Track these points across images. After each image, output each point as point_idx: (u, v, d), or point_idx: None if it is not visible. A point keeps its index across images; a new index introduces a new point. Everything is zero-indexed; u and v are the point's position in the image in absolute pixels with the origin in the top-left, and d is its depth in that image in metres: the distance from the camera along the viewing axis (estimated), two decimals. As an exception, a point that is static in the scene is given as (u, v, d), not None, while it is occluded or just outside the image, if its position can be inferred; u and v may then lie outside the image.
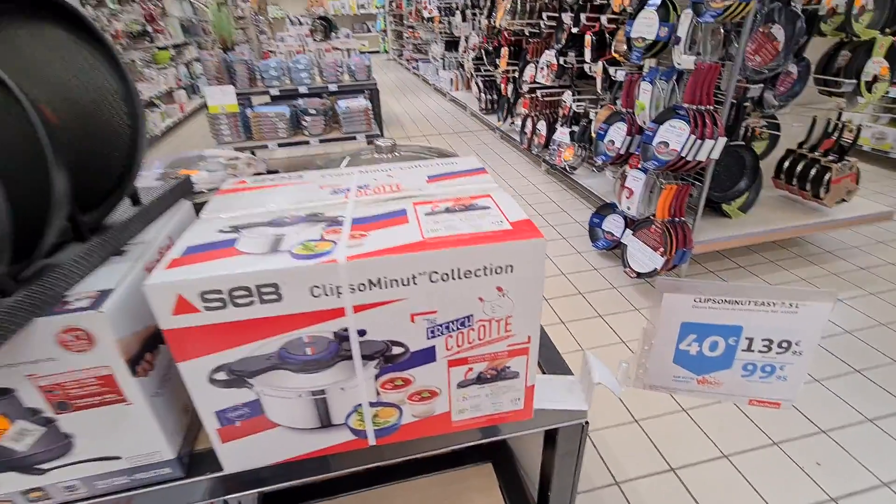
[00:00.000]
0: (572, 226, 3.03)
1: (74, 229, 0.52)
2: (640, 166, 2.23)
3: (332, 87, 3.71)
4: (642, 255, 2.26)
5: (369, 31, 13.98)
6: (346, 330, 0.49)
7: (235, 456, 0.55)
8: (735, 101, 2.07)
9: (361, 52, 4.38)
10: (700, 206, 2.17)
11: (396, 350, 0.52)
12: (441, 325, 0.51)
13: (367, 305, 0.48)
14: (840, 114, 2.45)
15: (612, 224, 2.59)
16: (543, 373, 0.71)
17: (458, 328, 0.52)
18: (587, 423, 0.68)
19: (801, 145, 2.53)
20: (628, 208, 2.37)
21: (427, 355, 0.53)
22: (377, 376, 0.53)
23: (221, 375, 0.49)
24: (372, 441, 0.58)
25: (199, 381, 0.49)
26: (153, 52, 6.73)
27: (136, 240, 0.59)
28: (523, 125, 4.21)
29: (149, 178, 0.87)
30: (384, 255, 0.46)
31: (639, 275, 2.29)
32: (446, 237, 0.48)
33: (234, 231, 0.52)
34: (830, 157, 2.41)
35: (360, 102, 3.74)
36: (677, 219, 2.18)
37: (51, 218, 0.43)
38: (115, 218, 0.58)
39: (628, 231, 2.40)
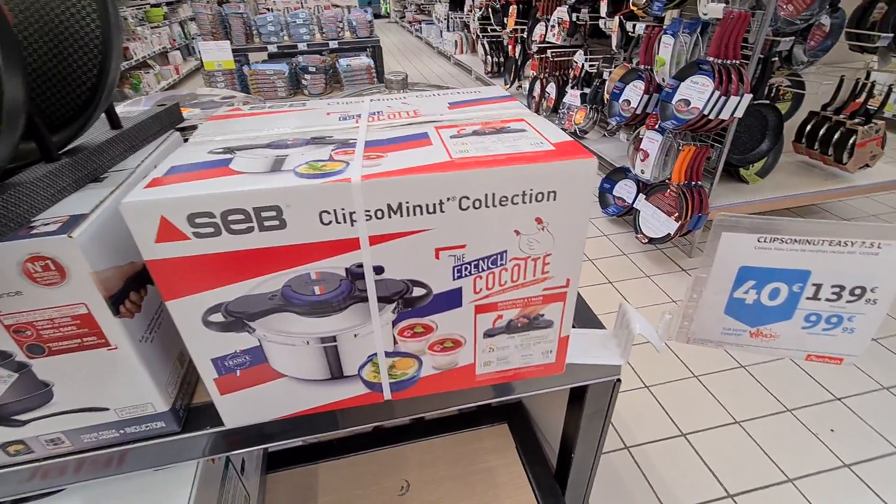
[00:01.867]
0: (581, 192, 2.93)
1: (41, 148, 0.44)
2: (657, 127, 2.12)
3: (333, 44, 3.54)
4: (655, 221, 2.18)
5: (369, -9, 13.39)
6: (360, 266, 0.42)
7: (236, 409, 0.49)
8: (763, 56, 1.94)
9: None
10: (718, 168, 2.08)
11: (418, 291, 0.45)
12: (470, 264, 0.44)
13: (385, 236, 0.41)
14: (869, 73, 2.32)
15: (624, 189, 2.50)
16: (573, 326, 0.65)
17: (488, 267, 0.45)
18: (619, 380, 0.62)
19: (825, 107, 2.41)
20: (642, 172, 2.27)
21: (452, 299, 0.46)
22: (395, 322, 0.47)
23: (217, 317, 0.43)
24: (387, 395, 0.52)
25: (192, 323, 0.42)
26: (146, 10, 6.44)
27: (117, 167, 0.52)
28: (531, 88, 4.04)
29: (135, 114, 0.78)
30: (407, 174, 0.39)
31: (650, 240, 2.22)
32: (480, 157, 0.41)
33: (227, 153, 0.45)
34: (856, 120, 2.30)
35: (363, 60, 3.57)
36: (694, 182, 2.08)
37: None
38: (92, 140, 0.50)
39: (641, 196, 2.31)
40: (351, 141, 0.46)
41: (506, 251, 0.44)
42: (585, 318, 0.66)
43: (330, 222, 0.39)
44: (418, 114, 0.55)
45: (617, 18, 2.66)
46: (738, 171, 2.33)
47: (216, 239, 0.38)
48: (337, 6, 3.98)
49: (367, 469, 0.81)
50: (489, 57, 5.25)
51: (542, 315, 0.50)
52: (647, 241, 2.24)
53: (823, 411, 1.52)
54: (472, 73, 6.02)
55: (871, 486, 1.29)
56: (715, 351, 1.66)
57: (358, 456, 0.83)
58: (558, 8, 3.44)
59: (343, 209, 0.39)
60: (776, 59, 2.00)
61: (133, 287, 0.45)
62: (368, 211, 0.39)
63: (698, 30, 2.01)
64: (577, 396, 0.66)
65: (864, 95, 2.28)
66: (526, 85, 4.23)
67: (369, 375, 0.50)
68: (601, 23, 2.93)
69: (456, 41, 6.63)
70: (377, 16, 12.91)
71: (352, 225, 0.40)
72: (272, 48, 3.44)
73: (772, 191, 2.30)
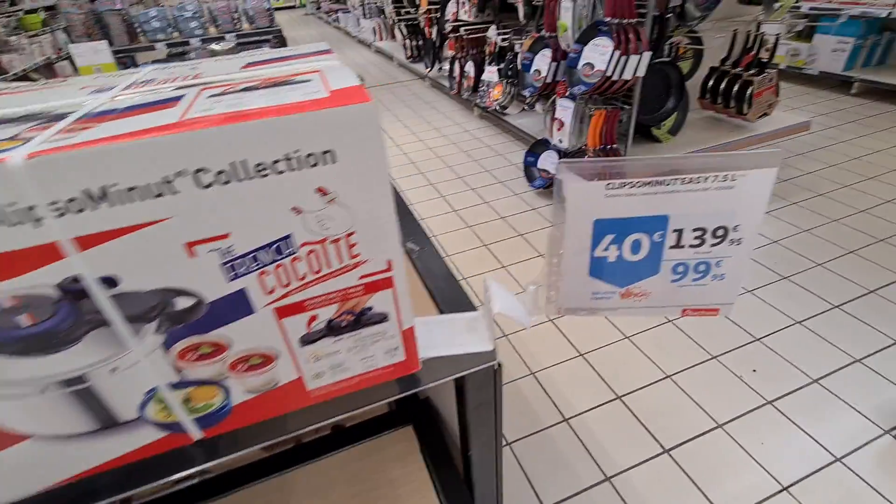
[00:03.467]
0: (508, 168, 2.90)
1: None
2: (567, 94, 2.10)
3: (230, 38, 3.26)
4: (578, 189, 2.17)
5: (281, -17, 12.72)
6: (77, 280, 0.31)
7: (-23, 489, 0.37)
8: (658, 14, 1.95)
9: (276, 8, 3.88)
10: (630, 129, 2.09)
11: (183, 302, 0.34)
12: (245, 257, 0.34)
13: (100, 236, 0.30)
14: (758, 25, 2.42)
15: (547, 161, 2.48)
16: (442, 313, 0.56)
17: (273, 258, 0.35)
18: (499, 365, 0.55)
19: (723, 62, 2.49)
20: (560, 141, 2.26)
21: (238, 305, 0.36)
22: (167, 345, 0.36)
23: None
24: (196, 435, 0.41)
25: None
26: (19, 17, 5.70)
27: None
28: (451, 69, 3.96)
29: None
30: (98, 145, 0.27)
31: (576, 209, 2.22)
32: (219, 115, 0.30)
33: None
34: (752, 71, 2.40)
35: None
36: (609, 146, 2.09)
37: None
38: None
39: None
40: (67, 115, 0.34)
41: (290, 235, 0.34)
42: (454, 299, 0.58)
43: (1, 223, 0.28)
44: (198, 77, 0.43)
45: (520, -12, 2.62)
46: (651, 131, 2.37)
47: None
48: (237, -2, 3.68)
49: (254, 506, 0.70)
50: (408, 41, 5.10)
51: (371, 308, 0.40)
52: (572, 209, 2.23)
53: (745, 353, 1.56)
54: (393, 59, 5.84)
55: (791, 419, 1.34)
56: (643, 310, 1.68)
57: (239, 493, 0.72)
58: (466, -17, 3.36)
59: (14, 203, 0.27)
60: (671, 15, 2.02)
61: None
62: (56, 202, 0.28)
63: (595, -9, 1.99)
64: (461, 389, 0.58)
65: (756, 47, 2.38)
66: (446, 66, 4.14)
67: (159, 415, 0.39)
68: (507, -5, 2.88)
69: (374, 28, 6.40)
70: (292, 7, 12.31)
71: (37, 224, 0.28)
72: (160, 45, 3.12)
73: (684, 147, 2.36)
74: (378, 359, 0.44)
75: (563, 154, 2.32)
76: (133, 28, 3.16)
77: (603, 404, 1.45)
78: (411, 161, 3.16)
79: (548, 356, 1.62)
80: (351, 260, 0.37)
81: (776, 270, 1.90)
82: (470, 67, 3.63)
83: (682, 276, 0.46)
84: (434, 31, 4.38)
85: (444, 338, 0.50)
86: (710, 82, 2.49)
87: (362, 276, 0.38)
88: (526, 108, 3.15)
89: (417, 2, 4.50)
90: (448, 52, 4.09)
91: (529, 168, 2.60)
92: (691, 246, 0.44)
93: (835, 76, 3.62)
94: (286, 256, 0.35)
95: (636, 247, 0.45)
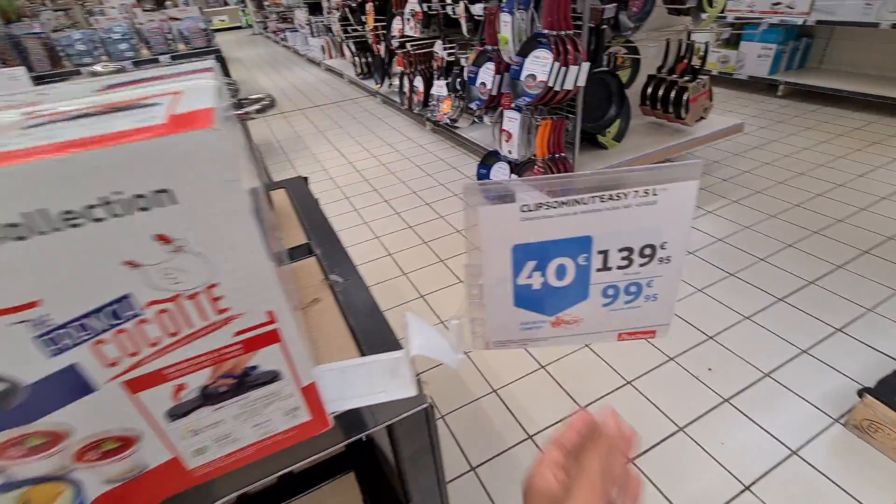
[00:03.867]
0: (462, 181, 2.89)
1: None
2: (513, 105, 2.11)
3: (165, 59, 3.10)
4: (530, 199, 2.18)
5: (226, 3, 12.46)
6: None
7: None
8: (593, 25, 2.00)
9: (221, 29, 3.74)
10: (576, 137, 2.12)
11: (-11, 389, 0.27)
12: (67, 327, 0.27)
13: None
14: (689, 35, 2.53)
15: (499, 172, 2.48)
16: (363, 354, 0.51)
17: (110, 324, 0.28)
18: (431, 407, 0.49)
19: (659, 70, 2.59)
20: (510, 152, 2.26)
21: (70, 384, 0.29)
22: (-22, 442, 0.28)
23: None
24: (43, 541, 0.33)
25: None
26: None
27: None
28: (401, 84, 3.94)
29: None
30: None
31: (530, 219, 2.22)
32: (5, 152, 0.24)
33: None
34: (686, 78, 2.50)
35: (205, 75, 3.17)
36: (557, 155, 2.11)
37: None
38: None
39: (513, 176, 2.30)
40: None
41: (128, 295, 0.28)
42: (378, 338, 0.52)
43: None
44: (35, 104, 0.36)
45: (462, 3, 2.64)
46: (597, 139, 2.41)
47: None
48: (175, 18, 3.53)
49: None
50: (357, 58, 5.06)
51: (255, 368, 0.34)
52: (526, 219, 2.23)
53: (700, 352, 1.58)
54: (343, 76, 5.79)
55: (748, 415, 1.36)
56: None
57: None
58: (409, 0, 3.37)
59: None
60: (606, 27, 2.08)
61: None
62: None
63: (532, 4, 2.02)
64: (392, 436, 0.52)
65: (688, 55, 2.49)
66: (396, 82, 4.13)
67: (-16, 527, 0.31)
68: (450, 10, 2.90)
69: (322, 46, 6.33)
70: (238, 28, 12.04)
71: None
72: (86, 70, 2.92)
73: (629, 152, 2.43)
74: (276, 423, 0.38)
75: (513, 165, 2.32)
76: (56, 52, 2.95)
77: (566, 417, 1.42)
78: (364, 178, 3.09)
79: (508, 371, 1.58)
80: (218, 316, 0.31)
81: (722, 268, 1.95)
82: (419, 83, 3.63)
83: (614, 300, 0.42)
84: (382, 47, 4.37)
85: (363, 385, 0.45)
86: (649, 90, 2.59)
87: (238, 333, 0.32)
88: (476, 120, 3.16)
89: (364, 19, 4.47)
90: (397, 68, 4.07)
91: (482, 180, 2.59)
92: (619, 267, 0.41)
93: (762, 80, 3.86)
94: (128, 320, 0.28)
95: (561, 272, 0.41)
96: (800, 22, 3.48)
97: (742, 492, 1.18)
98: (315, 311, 0.57)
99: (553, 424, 1.40)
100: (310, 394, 0.38)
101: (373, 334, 0.52)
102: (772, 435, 1.30)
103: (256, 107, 0.63)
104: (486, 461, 1.33)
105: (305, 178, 0.96)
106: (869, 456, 1.22)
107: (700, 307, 1.76)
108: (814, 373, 1.46)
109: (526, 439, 1.37)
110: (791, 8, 3.49)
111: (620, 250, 0.40)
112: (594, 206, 0.38)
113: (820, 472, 1.20)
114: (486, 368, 1.60)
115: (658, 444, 1.31)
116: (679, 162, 0.36)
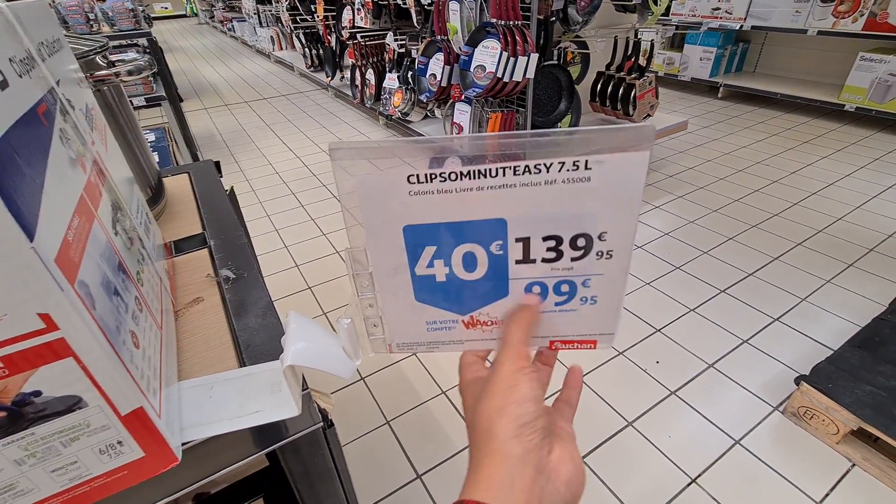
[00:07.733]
0: (415, 177, 2.80)
1: None
2: (463, 97, 2.05)
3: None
4: (482, 193, 2.13)
5: (168, -10, 11.71)
6: None
7: None
8: (542, 18, 1.97)
9: (164, 17, 3.43)
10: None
11: None
12: None
13: None
14: (637, 33, 2.57)
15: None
16: (244, 365, 0.41)
17: None
18: (328, 426, 0.41)
19: (608, 67, 2.62)
20: (461, 147, 2.20)
21: None
22: None
23: None
24: None
25: None
26: None
27: None
28: (353, 77, 3.80)
29: None
30: None
31: (482, 214, 2.17)
32: None
33: None
34: (633, 76, 2.54)
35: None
36: (508, 151, 2.07)
37: None
38: None
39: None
40: None
41: None
42: (267, 345, 0.43)
43: None
44: None
45: (411, -8, 2.55)
46: (549, 134, 2.40)
47: None
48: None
49: None
50: (307, 50, 4.86)
51: (37, 394, 0.25)
52: (478, 215, 2.18)
53: (648, 345, 1.58)
54: (294, 69, 5.55)
55: (694, 407, 1.36)
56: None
57: None
58: (359, -11, 3.25)
59: None
60: (555, 19, 2.06)
61: None
62: None
63: (480, -6, 1.97)
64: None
65: (635, 53, 2.53)
66: (348, 75, 3.98)
67: None
68: (401, 0, 2.81)
69: (272, 37, 6.05)
70: (183, 17, 11.36)
71: None
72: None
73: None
74: (89, 464, 0.28)
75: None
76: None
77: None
78: (313, 174, 2.95)
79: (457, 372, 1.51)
80: (-49, 321, 0.21)
81: (669, 261, 1.98)
82: (371, 75, 3.51)
83: (541, 300, 0.35)
84: (333, 38, 4.21)
85: (234, 405, 0.36)
86: (599, 86, 2.61)
87: (-5, 345, 0.22)
88: (428, 114, 3.09)
89: (314, 8, 4.29)
90: (348, 61, 3.93)
91: (435, 175, 2.52)
92: (545, 260, 0.33)
93: (704, 82, 4.03)
94: None
95: (470, 262, 0.33)
96: (737, 27, 3.65)
97: (689, 485, 1.17)
98: (193, 312, 0.47)
99: (503, 425, 1.34)
100: (137, 422, 0.28)
101: (260, 341, 0.43)
102: (716, 426, 1.30)
103: (129, 67, 0.52)
104: (433, 467, 1.25)
105: (217, 163, 0.85)
106: (806, 442, 1.25)
107: (649, 300, 1.77)
108: (754, 362, 1.49)
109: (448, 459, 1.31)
110: (729, 13, 3.65)
111: (545, 239, 0.32)
112: (505, 181, 0.31)
113: (761, 460, 1.21)
114: (435, 369, 1.53)
115: (608, 439, 1.29)
116: (622, 126, 0.28)
